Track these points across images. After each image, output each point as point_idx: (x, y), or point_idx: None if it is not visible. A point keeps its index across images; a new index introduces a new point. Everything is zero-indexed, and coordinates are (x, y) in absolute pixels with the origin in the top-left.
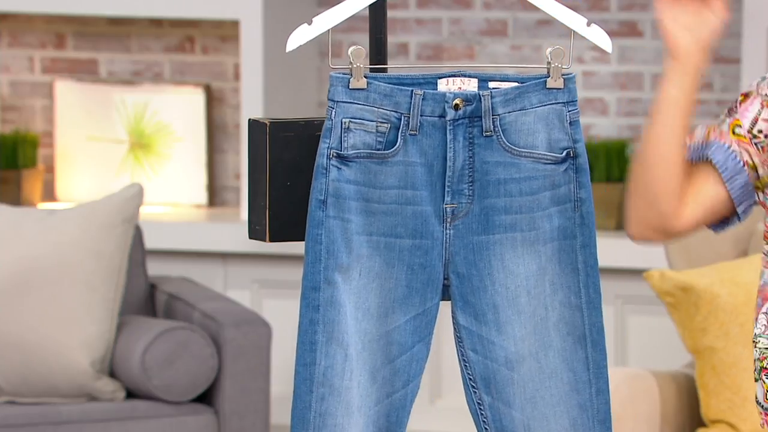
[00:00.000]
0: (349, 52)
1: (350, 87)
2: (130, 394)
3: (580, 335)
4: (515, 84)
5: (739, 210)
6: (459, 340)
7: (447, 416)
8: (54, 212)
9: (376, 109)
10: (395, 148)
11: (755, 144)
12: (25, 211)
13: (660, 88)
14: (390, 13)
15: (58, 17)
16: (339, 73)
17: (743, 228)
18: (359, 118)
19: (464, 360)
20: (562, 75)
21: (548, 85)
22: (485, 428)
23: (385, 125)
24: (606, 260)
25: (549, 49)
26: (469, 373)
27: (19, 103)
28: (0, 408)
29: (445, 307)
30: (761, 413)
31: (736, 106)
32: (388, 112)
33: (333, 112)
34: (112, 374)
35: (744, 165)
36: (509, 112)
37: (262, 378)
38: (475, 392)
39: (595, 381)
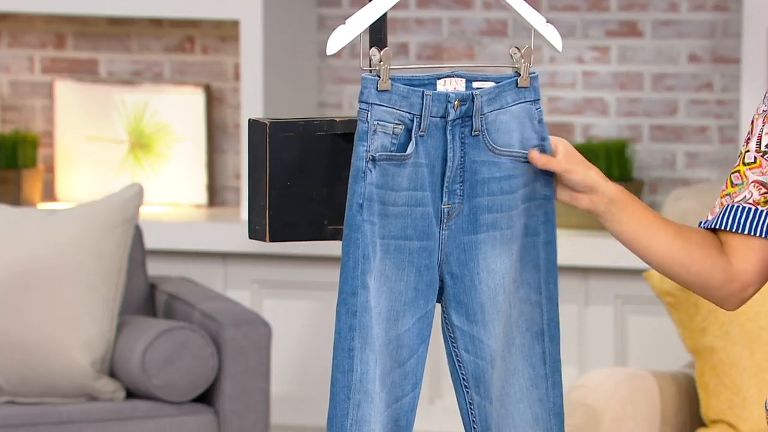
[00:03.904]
0: (379, 54)
1: (378, 89)
2: (130, 394)
3: (538, 331)
4: (493, 84)
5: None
6: (452, 340)
7: (447, 416)
8: (54, 212)
9: (395, 110)
10: (410, 149)
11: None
12: (25, 211)
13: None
14: (390, 13)
15: (58, 17)
16: (370, 75)
17: None
18: (383, 120)
19: (458, 360)
20: (529, 74)
21: (519, 84)
22: (473, 428)
23: (400, 127)
24: (606, 260)
25: (518, 49)
26: (462, 373)
27: (19, 103)
28: (0, 408)
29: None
30: None
31: (748, 139)
32: (404, 113)
33: (368, 114)
34: (112, 374)
35: (755, 206)
36: (491, 111)
37: (262, 378)
38: (467, 392)
39: (551, 375)
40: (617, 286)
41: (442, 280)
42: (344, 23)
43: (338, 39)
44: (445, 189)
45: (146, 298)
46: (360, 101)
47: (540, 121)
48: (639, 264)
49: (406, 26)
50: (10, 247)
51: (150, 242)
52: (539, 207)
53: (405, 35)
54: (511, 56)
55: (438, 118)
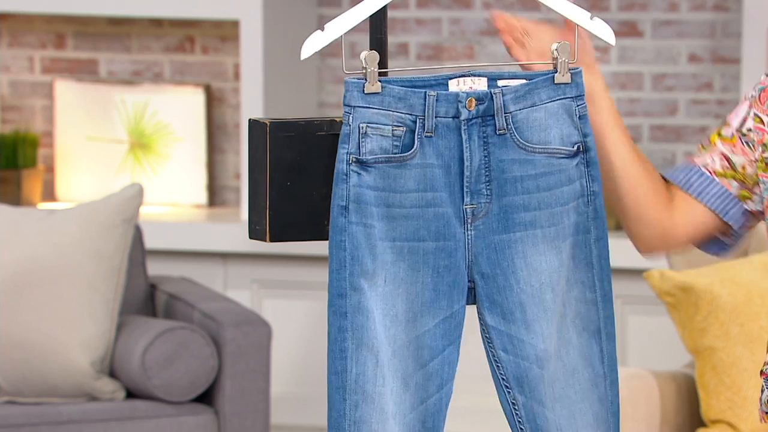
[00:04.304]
0: (363, 57)
1: (365, 92)
2: (130, 394)
3: (595, 329)
4: (524, 81)
5: (727, 219)
6: (488, 341)
7: (448, 416)
8: (54, 212)
9: (391, 112)
10: (412, 150)
11: (745, 143)
12: (25, 211)
13: None
14: (390, 13)
15: (58, 17)
16: (353, 78)
17: None
18: (375, 123)
19: (495, 360)
20: (569, 70)
21: (556, 81)
22: (520, 428)
23: (401, 128)
24: None
25: (555, 45)
26: (501, 374)
27: (19, 103)
28: (0, 408)
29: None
30: None
31: (732, 116)
32: (403, 115)
33: (350, 117)
34: (112, 374)
35: (712, 174)
36: (520, 109)
37: (262, 378)
38: (509, 392)
39: (609, 373)
40: (617, 286)
41: (473, 281)
42: (322, 29)
43: (312, 44)
44: (466, 189)
45: (146, 298)
46: (343, 104)
47: (582, 117)
48: (639, 264)
49: (406, 26)
50: (10, 247)
51: (150, 242)
52: (588, 203)
53: (405, 35)
54: (552, 52)
55: (450, 119)
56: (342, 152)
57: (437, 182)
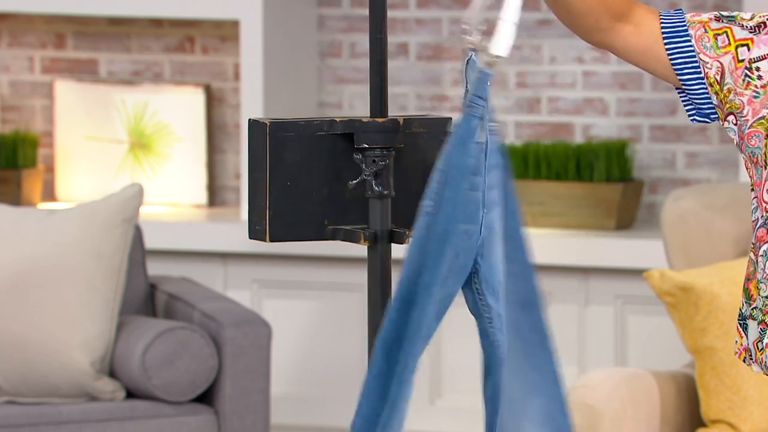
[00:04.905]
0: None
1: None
2: (130, 394)
3: (516, 300)
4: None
5: (680, 76)
6: (489, 320)
7: (447, 416)
8: (54, 212)
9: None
10: (482, 135)
11: (745, 75)
12: (25, 211)
13: None
14: (390, 13)
15: (58, 17)
16: (489, 69)
17: (743, 228)
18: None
19: (492, 342)
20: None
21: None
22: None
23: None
24: (606, 260)
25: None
26: (500, 355)
27: (19, 103)
28: (0, 408)
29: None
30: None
31: (763, 26)
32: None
33: (483, 110)
34: (112, 374)
35: (705, 77)
36: None
37: (262, 378)
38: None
39: (543, 342)
40: (617, 286)
41: (478, 264)
42: (505, 22)
43: (508, 39)
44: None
45: (146, 298)
46: (476, 95)
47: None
48: (639, 264)
49: (406, 26)
50: (10, 247)
51: (150, 242)
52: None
53: (405, 35)
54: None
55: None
56: (472, 147)
57: (481, 166)
